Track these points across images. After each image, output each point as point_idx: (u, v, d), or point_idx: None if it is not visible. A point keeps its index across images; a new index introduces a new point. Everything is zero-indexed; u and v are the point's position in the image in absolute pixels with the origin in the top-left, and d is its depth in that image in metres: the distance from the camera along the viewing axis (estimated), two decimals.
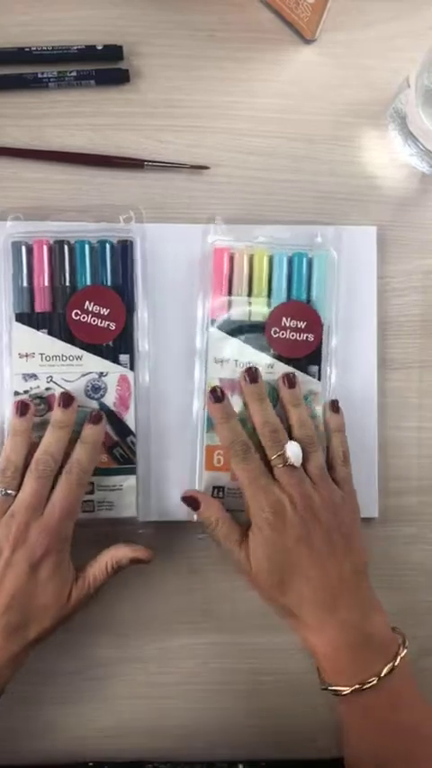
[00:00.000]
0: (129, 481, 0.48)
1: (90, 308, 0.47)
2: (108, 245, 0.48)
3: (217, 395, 0.47)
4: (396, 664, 0.42)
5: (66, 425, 0.46)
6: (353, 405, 0.49)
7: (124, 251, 0.48)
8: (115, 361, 0.48)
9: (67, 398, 0.46)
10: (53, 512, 0.43)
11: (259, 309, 0.49)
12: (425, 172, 0.52)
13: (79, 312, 0.47)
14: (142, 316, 0.49)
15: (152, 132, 0.51)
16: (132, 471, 0.48)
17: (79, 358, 0.48)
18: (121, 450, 0.48)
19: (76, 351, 0.48)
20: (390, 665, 0.42)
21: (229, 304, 0.49)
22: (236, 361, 0.48)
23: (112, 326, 0.48)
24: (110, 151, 0.51)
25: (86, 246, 0.48)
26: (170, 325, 0.50)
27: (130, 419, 0.48)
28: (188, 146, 0.51)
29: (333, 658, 0.43)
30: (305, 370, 0.49)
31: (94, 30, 0.52)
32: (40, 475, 0.44)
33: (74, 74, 0.50)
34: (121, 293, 0.48)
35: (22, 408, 0.46)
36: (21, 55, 0.51)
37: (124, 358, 0.48)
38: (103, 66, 0.51)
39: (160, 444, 0.50)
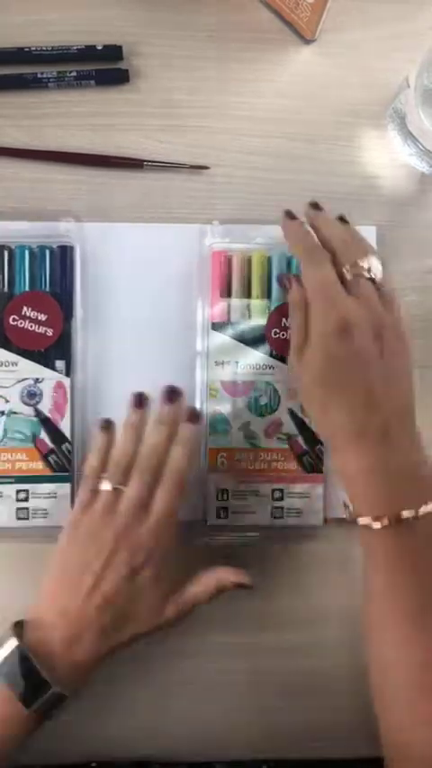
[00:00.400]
0: (63, 489, 0.48)
1: (28, 314, 0.47)
2: (48, 251, 0.48)
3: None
4: None
5: (169, 422, 0.45)
6: None
7: (63, 256, 0.48)
8: (51, 367, 0.48)
9: (173, 393, 0.45)
10: (155, 515, 0.43)
11: (259, 311, 0.49)
12: (424, 172, 0.52)
13: (17, 318, 0.47)
14: (83, 320, 0.49)
15: (152, 132, 0.51)
16: (67, 479, 0.48)
17: (15, 364, 0.48)
18: (56, 457, 0.48)
19: (12, 356, 0.48)
20: (426, 508, 0.39)
21: (229, 306, 0.49)
22: (236, 362, 0.49)
23: (50, 332, 0.48)
24: (109, 151, 0.51)
25: (26, 252, 0.48)
26: (168, 326, 0.50)
27: (65, 426, 0.48)
28: (188, 146, 0.51)
29: (370, 484, 0.40)
30: None
31: (94, 30, 0.51)
32: (144, 475, 0.43)
33: (74, 74, 0.50)
34: (60, 299, 0.48)
35: (138, 401, 0.46)
36: (20, 55, 0.51)
37: (60, 364, 0.48)
38: (103, 67, 0.51)
39: None
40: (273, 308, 0.49)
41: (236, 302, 0.49)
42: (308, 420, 0.49)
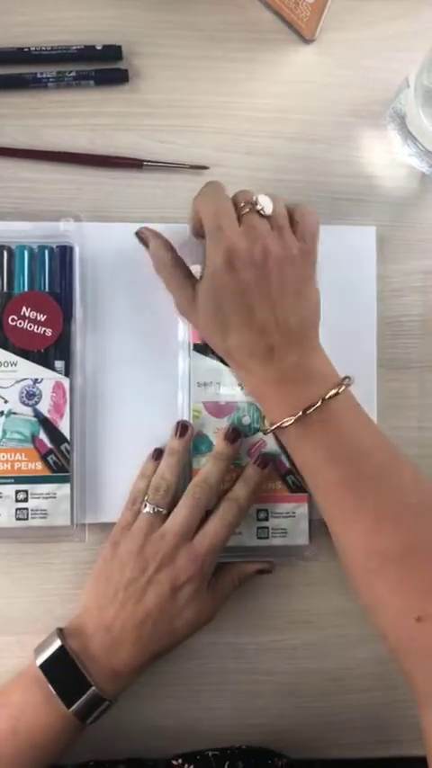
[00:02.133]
0: (63, 489, 0.48)
1: (27, 314, 0.47)
2: (47, 251, 0.48)
3: None
4: (340, 391, 0.42)
5: (228, 458, 0.47)
6: None
7: (63, 256, 0.48)
8: (50, 367, 0.48)
9: (233, 433, 0.47)
10: (203, 543, 0.45)
11: None
12: (424, 172, 0.52)
13: (16, 318, 0.47)
14: (82, 321, 0.49)
15: (152, 132, 0.51)
16: (66, 479, 0.48)
17: (14, 364, 0.48)
18: (55, 457, 0.48)
19: (11, 357, 0.48)
20: (334, 391, 0.42)
21: None
22: (219, 384, 0.49)
23: (49, 333, 0.48)
24: (109, 151, 0.51)
25: (26, 252, 0.48)
26: (168, 326, 0.50)
27: (64, 426, 0.48)
28: (188, 146, 0.51)
29: (274, 393, 0.43)
30: None
31: (94, 30, 0.51)
32: (196, 503, 0.45)
33: (73, 74, 0.50)
34: (59, 299, 0.48)
35: (181, 430, 0.47)
36: (20, 55, 0.51)
37: (59, 364, 0.48)
38: (103, 67, 0.51)
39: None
40: None
41: None
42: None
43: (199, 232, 0.45)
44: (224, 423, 0.48)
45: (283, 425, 0.42)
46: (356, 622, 0.51)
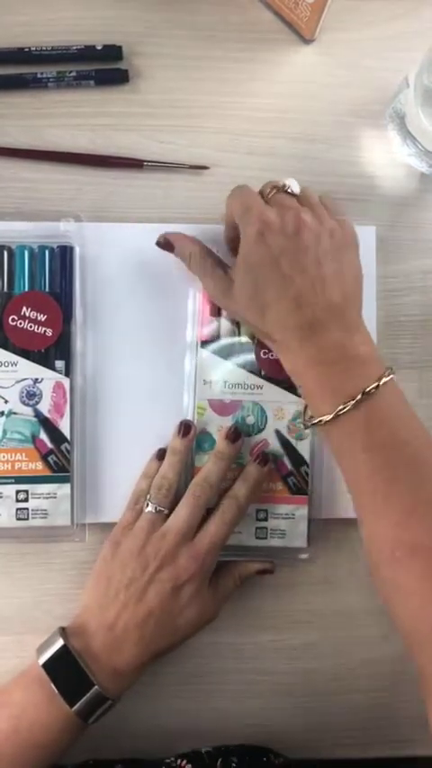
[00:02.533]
0: (63, 489, 0.48)
1: (27, 314, 0.47)
2: (48, 251, 0.48)
3: None
4: (381, 384, 0.40)
5: (229, 457, 0.47)
6: None
7: (63, 256, 0.48)
8: (51, 367, 0.48)
9: (234, 433, 0.47)
10: (204, 541, 0.45)
11: (248, 331, 0.49)
12: (424, 172, 0.52)
13: (16, 318, 0.47)
14: (82, 321, 0.49)
15: (152, 132, 0.51)
16: (67, 479, 0.48)
17: (14, 364, 0.48)
18: (55, 457, 0.48)
19: (12, 357, 0.48)
20: (375, 385, 0.40)
21: (218, 325, 0.49)
22: (225, 382, 0.49)
23: (49, 333, 0.48)
24: (109, 151, 0.51)
25: (26, 252, 0.48)
26: (168, 326, 0.50)
27: (64, 426, 0.48)
28: (188, 146, 0.51)
29: (314, 377, 0.42)
30: (294, 391, 0.49)
31: (94, 30, 0.51)
32: (196, 502, 0.45)
33: (73, 74, 0.50)
34: (59, 299, 0.48)
35: (184, 430, 0.47)
36: (20, 55, 0.51)
37: (60, 364, 0.48)
38: (103, 67, 0.51)
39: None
40: None
41: (225, 321, 0.49)
42: (293, 442, 0.49)
43: (232, 237, 0.45)
44: (228, 421, 0.49)
45: (323, 422, 0.41)
46: (356, 622, 0.51)
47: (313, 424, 0.42)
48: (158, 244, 0.47)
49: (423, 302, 0.52)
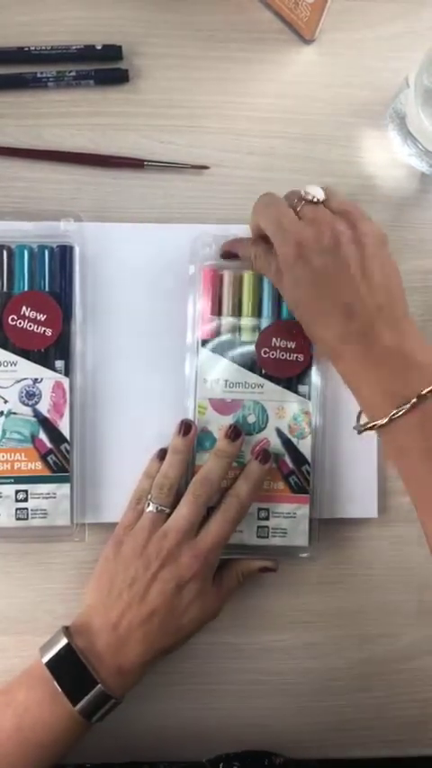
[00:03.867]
0: (62, 489, 0.48)
1: (27, 314, 0.47)
2: (48, 251, 0.48)
3: None
4: None
5: (230, 456, 0.47)
6: (353, 405, 0.49)
7: (63, 256, 0.48)
8: (50, 367, 0.48)
9: (234, 431, 0.47)
10: (206, 539, 0.45)
11: (249, 329, 0.49)
12: (424, 172, 0.52)
13: (16, 317, 0.47)
14: (82, 320, 0.49)
15: (152, 132, 0.51)
16: (66, 479, 0.48)
17: (14, 364, 0.48)
18: (55, 457, 0.48)
19: (11, 356, 0.48)
20: (429, 388, 0.39)
21: (219, 324, 0.49)
22: (225, 380, 0.49)
23: (49, 332, 0.48)
24: (110, 151, 0.51)
25: (26, 252, 0.48)
26: (167, 326, 0.50)
27: (64, 426, 0.48)
28: (188, 146, 0.51)
29: (369, 383, 0.41)
30: (295, 390, 0.49)
31: (94, 30, 0.51)
32: (197, 501, 0.45)
33: (73, 74, 0.50)
34: (59, 299, 0.48)
35: (185, 429, 0.47)
36: (20, 55, 0.51)
37: (59, 364, 0.48)
38: (103, 66, 0.51)
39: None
40: (263, 327, 0.48)
41: (226, 320, 0.49)
42: (295, 441, 0.49)
43: (259, 241, 0.46)
44: (229, 420, 0.48)
45: (377, 426, 0.41)
46: (356, 622, 0.51)
47: (368, 428, 0.42)
48: (224, 257, 0.49)
49: (423, 302, 0.52)
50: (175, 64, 0.52)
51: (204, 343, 0.49)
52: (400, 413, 0.40)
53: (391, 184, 0.53)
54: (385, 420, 0.40)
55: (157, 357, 0.50)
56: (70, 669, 0.42)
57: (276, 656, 0.50)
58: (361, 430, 0.43)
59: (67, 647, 0.43)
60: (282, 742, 0.50)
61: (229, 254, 0.48)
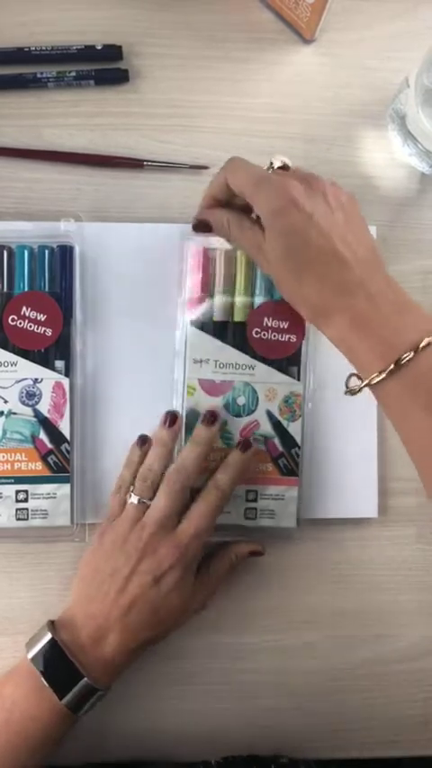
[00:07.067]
0: (63, 489, 0.48)
1: (27, 314, 0.47)
2: (48, 251, 0.48)
3: None
4: None
5: (206, 442, 0.46)
6: (353, 405, 0.49)
7: (63, 256, 0.48)
8: (51, 367, 0.48)
9: (211, 416, 0.47)
10: (187, 530, 0.44)
11: (240, 310, 0.49)
12: (424, 172, 0.52)
13: (16, 317, 0.47)
14: (81, 321, 0.49)
15: (152, 132, 0.51)
16: (66, 480, 0.48)
17: (14, 364, 0.48)
18: (55, 457, 0.48)
19: (11, 356, 0.48)
20: (428, 340, 0.38)
21: (210, 304, 0.49)
22: (215, 361, 0.48)
23: (49, 332, 0.48)
24: (110, 151, 0.51)
25: (26, 252, 0.48)
26: (167, 326, 0.50)
27: (64, 426, 0.48)
28: (188, 146, 0.51)
29: (363, 337, 0.39)
30: (285, 371, 0.49)
31: (94, 30, 0.51)
32: (172, 489, 0.45)
33: (73, 74, 0.50)
34: (59, 299, 0.48)
35: (170, 420, 0.47)
36: (20, 55, 0.51)
37: (59, 364, 0.48)
38: (103, 67, 0.51)
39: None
40: (255, 306, 0.48)
41: (217, 300, 0.48)
42: (285, 423, 0.49)
43: (218, 203, 0.45)
44: (219, 402, 0.48)
45: (373, 382, 0.39)
46: (356, 622, 0.51)
47: (364, 385, 0.40)
48: (195, 228, 0.46)
49: (423, 302, 0.52)
50: (175, 64, 0.52)
51: (194, 322, 0.48)
52: (404, 360, 0.38)
53: (391, 184, 0.53)
54: (384, 375, 0.38)
55: (157, 357, 0.50)
56: (55, 663, 0.43)
57: (276, 656, 0.50)
58: (355, 391, 0.41)
59: (51, 642, 0.43)
60: (282, 742, 0.49)
61: (202, 224, 0.46)
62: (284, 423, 0.49)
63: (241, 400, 0.49)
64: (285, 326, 0.48)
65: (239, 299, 0.48)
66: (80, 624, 0.44)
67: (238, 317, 0.48)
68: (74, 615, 0.44)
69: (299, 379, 0.49)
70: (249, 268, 0.49)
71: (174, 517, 0.45)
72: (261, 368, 0.48)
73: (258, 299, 0.48)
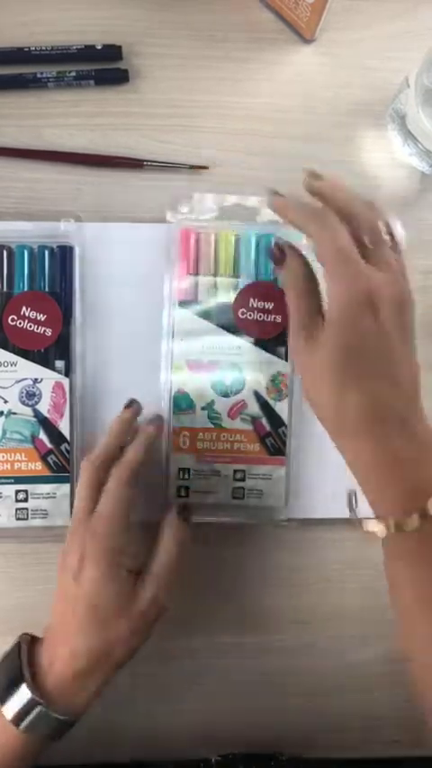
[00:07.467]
0: (62, 489, 0.48)
1: (27, 314, 0.47)
2: (47, 251, 0.48)
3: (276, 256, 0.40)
4: None
5: (114, 433, 0.46)
6: None
7: (63, 256, 0.48)
8: (50, 367, 0.48)
9: (132, 401, 0.47)
10: (99, 515, 0.42)
11: (226, 290, 0.48)
12: (425, 172, 0.52)
13: (16, 317, 0.47)
14: (81, 321, 0.49)
15: (152, 132, 0.51)
16: (66, 480, 0.48)
17: (14, 364, 0.48)
18: (54, 457, 0.48)
19: (11, 356, 0.48)
20: None
21: (196, 284, 0.48)
22: (202, 341, 0.48)
23: (49, 332, 0.48)
24: (110, 151, 0.51)
25: (26, 252, 0.48)
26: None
27: (64, 426, 0.48)
28: (188, 146, 0.51)
29: (391, 477, 0.36)
30: (273, 351, 0.48)
31: (94, 30, 0.51)
32: (81, 480, 0.44)
33: (73, 74, 0.50)
34: (59, 299, 0.48)
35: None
36: (20, 55, 0.51)
37: (59, 364, 0.48)
38: (103, 66, 0.51)
39: None
40: (241, 287, 0.48)
41: (203, 280, 0.48)
42: (272, 403, 0.48)
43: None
44: (206, 382, 0.48)
45: (407, 528, 0.35)
46: (356, 622, 0.51)
47: (371, 527, 0.37)
48: (272, 255, 0.41)
49: (423, 302, 0.52)
50: (175, 64, 0.52)
51: (181, 303, 0.48)
52: (412, 525, 0.35)
53: (391, 184, 0.53)
54: (416, 524, 0.35)
55: (157, 357, 0.50)
56: (9, 667, 0.41)
57: (276, 656, 0.50)
58: (360, 523, 0.39)
59: (16, 646, 0.42)
60: (281, 742, 0.49)
61: (279, 258, 0.41)
62: (271, 402, 0.49)
63: (228, 380, 0.48)
64: (271, 307, 0.48)
65: (226, 280, 0.48)
66: (44, 629, 0.43)
67: (223, 298, 0.48)
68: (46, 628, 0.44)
69: (286, 360, 0.48)
70: (235, 249, 0.49)
71: (89, 507, 0.42)
72: (247, 348, 0.48)
73: (244, 280, 0.48)
